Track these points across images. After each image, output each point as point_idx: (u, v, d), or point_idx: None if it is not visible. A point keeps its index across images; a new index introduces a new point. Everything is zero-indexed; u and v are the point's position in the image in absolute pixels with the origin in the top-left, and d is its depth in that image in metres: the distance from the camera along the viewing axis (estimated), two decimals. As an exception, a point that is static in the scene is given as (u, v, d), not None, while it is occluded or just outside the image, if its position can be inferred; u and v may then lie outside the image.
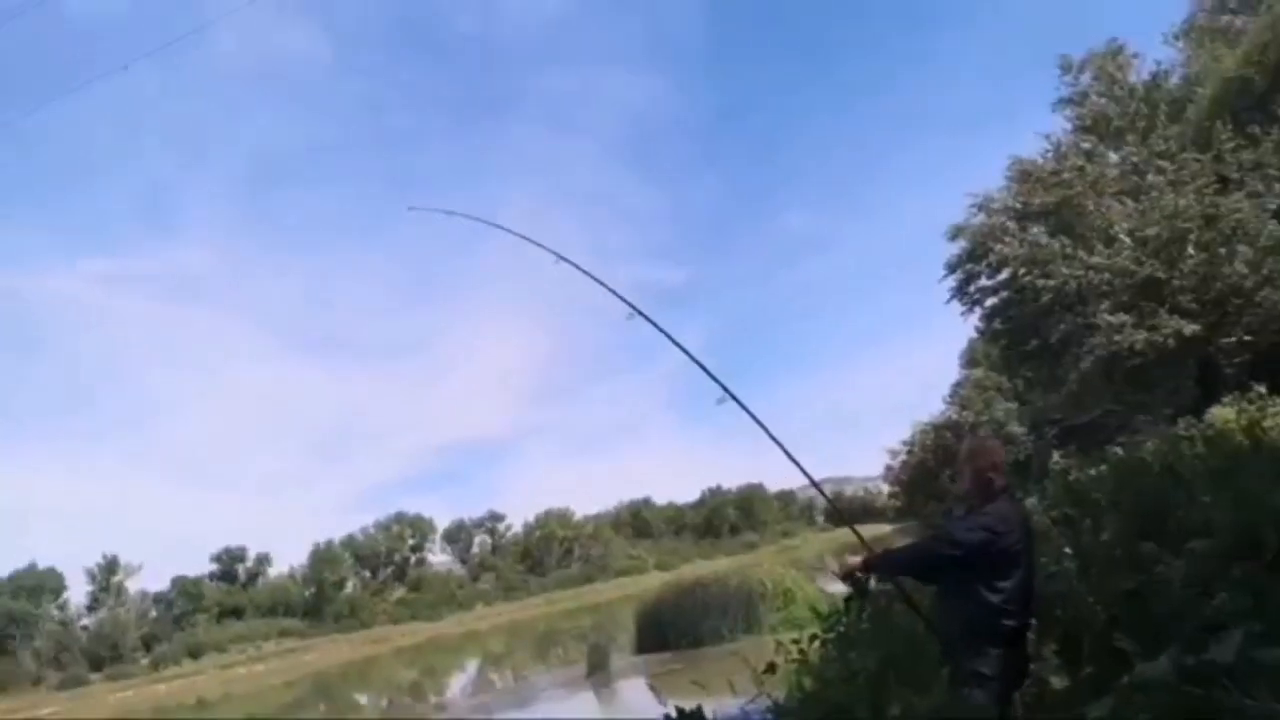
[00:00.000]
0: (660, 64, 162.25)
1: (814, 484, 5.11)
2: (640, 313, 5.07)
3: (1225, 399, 16.72)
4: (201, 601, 72.95)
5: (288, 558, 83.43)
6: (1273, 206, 18.93)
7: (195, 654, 63.91)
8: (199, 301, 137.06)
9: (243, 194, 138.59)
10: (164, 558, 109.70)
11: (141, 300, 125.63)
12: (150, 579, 77.01)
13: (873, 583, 4.66)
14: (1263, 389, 15.59)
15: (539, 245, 5.95)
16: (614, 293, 5.28)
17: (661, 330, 5.06)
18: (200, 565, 77.45)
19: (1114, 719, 2.18)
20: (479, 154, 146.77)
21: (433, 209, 7.37)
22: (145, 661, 64.27)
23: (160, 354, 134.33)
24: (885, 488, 78.80)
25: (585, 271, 5.58)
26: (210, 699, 47.35)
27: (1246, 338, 19.25)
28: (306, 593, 77.65)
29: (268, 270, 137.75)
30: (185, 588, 74.08)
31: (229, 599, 74.22)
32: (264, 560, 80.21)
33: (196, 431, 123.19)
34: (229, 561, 78.58)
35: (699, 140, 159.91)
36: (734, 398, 4.53)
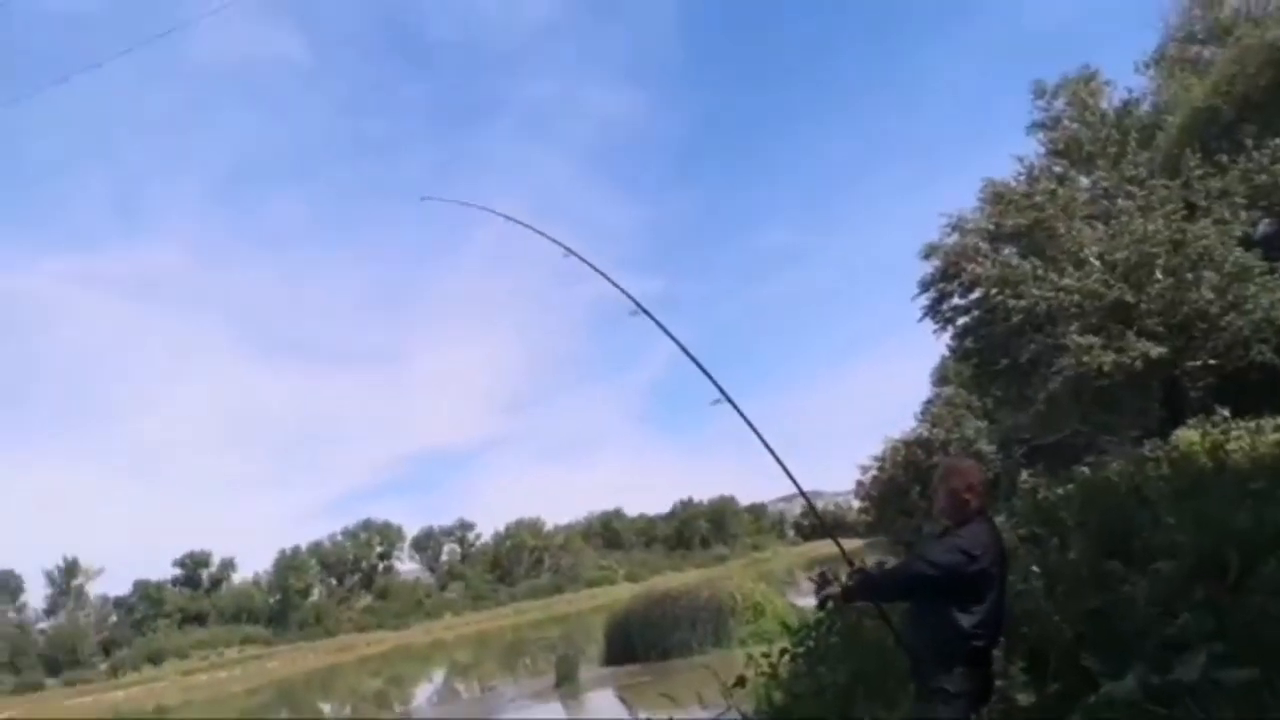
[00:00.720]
0: (640, 76, 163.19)
1: (801, 492, 5.11)
2: (644, 310, 5.10)
3: (1190, 421, 16.94)
4: (163, 606, 71.82)
5: (253, 564, 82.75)
6: (1238, 234, 19.25)
7: (156, 660, 62.82)
8: (168, 301, 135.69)
9: (216, 194, 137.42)
10: (126, 561, 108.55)
11: (110, 299, 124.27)
12: (111, 583, 76.12)
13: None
14: (1226, 412, 15.76)
15: (550, 239, 5.93)
16: (619, 288, 5.30)
17: (664, 329, 5.10)
18: (163, 570, 76.46)
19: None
20: (455, 161, 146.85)
21: (447, 200, 7.33)
22: (104, 667, 63.18)
23: (127, 353, 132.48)
24: (856, 503, 79.22)
25: (592, 265, 5.59)
26: (170, 706, 46.53)
27: (1211, 361, 19.53)
28: (271, 599, 76.72)
29: (239, 272, 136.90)
30: (147, 592, 72.91)
31: (192, 604, 73.12)
32: (228, 565, 79.22)
33: (162, 433, 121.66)
34: (192, 566, 77.40)
35: (677, 153, 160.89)
36: (729, 399, 4.56)
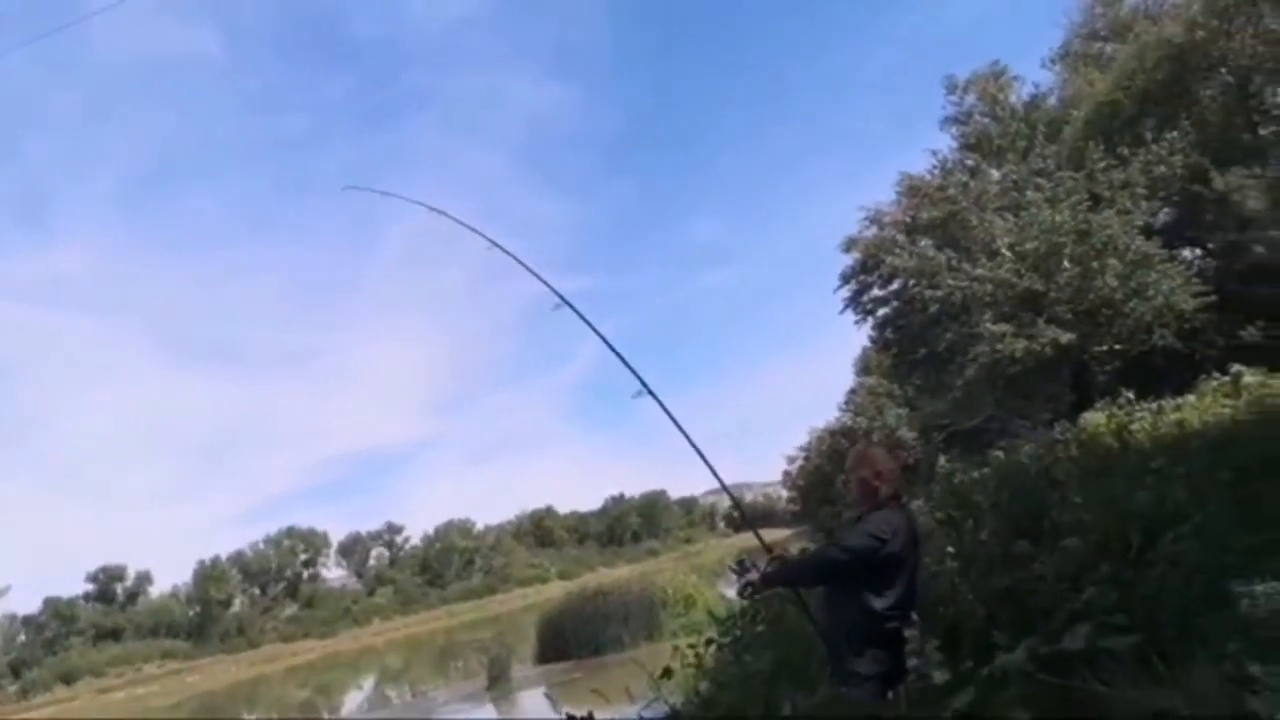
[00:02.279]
0: (568, 70, 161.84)
1: (722, 485, 5.21)
2: (567, 302, 5.07)
3: (1097, 404, 17.57)
4: (76, 623, 68.94)
5: (170, 576, 79.94)
6: (1140, 223, 19.99)
7: (69, 679, 60.27)
8: (76, 306, 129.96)
9: (127, 194, 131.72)
10: (35, 578, 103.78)
11: (12, 303, 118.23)
12: (19, 601, 72.56)
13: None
14: (1131, 395, 16.38)
15: (474, 230, 5.87)
16: (542, 280, 5.30)
17: (587, 321, 5.08)
18: (74, 585, 73.33)
19: (975, 708, 2.26)
20: (378, 158, 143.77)
21: (371, 190, 7.19)
22: (13, 689, 60.32)
23: (33, 360, 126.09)
24: (784, 493, 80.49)
25: (516, 258, 5.57)
26: (85, 726, 44.83)
27: (1116, 346, 20.25)
28: (191, 612, 74.23)
29: (152, 274, 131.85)
30: (58, 609, 69.86)
31: (106, 620, 70.28)
32: (144, 579, 76.31)
33: (71, 443, 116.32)
34: (106, 581, 74.40)
35: (606, 148, 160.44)
36: (650, 392, 4.57)
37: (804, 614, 4.46)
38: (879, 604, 3.63)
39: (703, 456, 4.71)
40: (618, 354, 4.89)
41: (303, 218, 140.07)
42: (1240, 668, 2.48)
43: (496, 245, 5.74)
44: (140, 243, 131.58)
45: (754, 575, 4.10)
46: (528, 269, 5.51)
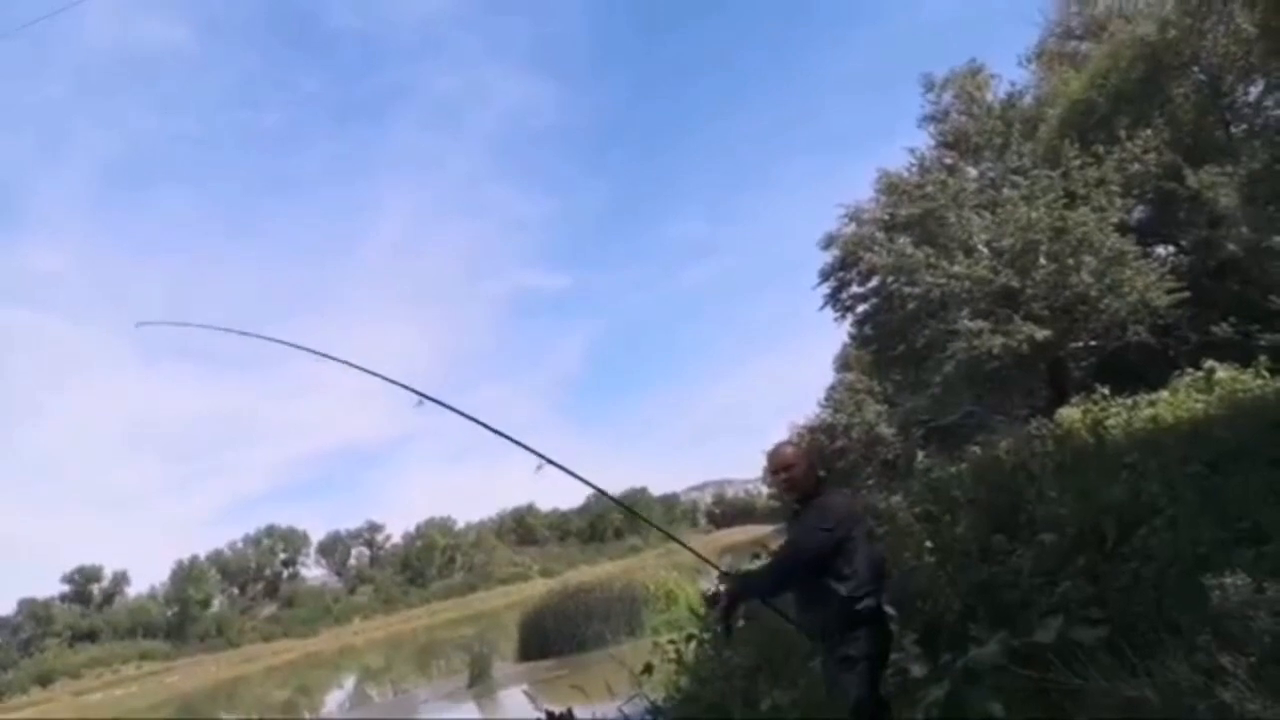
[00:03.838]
0: (546, 67, 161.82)
1: (622, 506, 5.19)
2: (430, 399, 4.91)
3: (1073, 400, 17.74)
4: (52, 625, 68.31)
5: (148, 576, 79.30)
6: (1114, 220, 20.18)
7: (45, 681, 59.72)
8: (51, 304, 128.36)
9: (101, 191, 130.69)
10: (9, 579, 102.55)
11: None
12: (-7, 603, 71.78)
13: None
14: (1106, 390, 16.54)
15: (301, 348, 5.52)
16: (399, 384, 5.08)
17: (462, 413, 4.95)
18: (50, 586, 72.59)
19: (948, 700, 2.29)
20: (355, 153, 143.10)
21: (166, 323, 6.77)
22: (-12, 692, 59.75)
23: (7, 360, 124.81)
24: (764, 489, 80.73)
25: (358, 367, 5.33)
26: (61, 729, 44.38)
27: (1092, 342, 20.45)
28: (169, 612, 73.64)
29: (127, 272, 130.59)
30: (33, 611, 69.19)
31: (83, 621, 69.66)
32: (121, 579, 75.80)
33: (47, 443, 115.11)
34: (82, 581, 73.74)
35: (585, 144, 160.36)
36: (553, 463, 4.56)
37: (780, 616, 4.49)
38: (846, 588, 3.67)
39: (608, 495, 4.67)
40: (509, 439, 4.82)
41: (280, 215, 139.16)
42: (1211, 659, 2.54)
43: (329, 357, 5.38)
44: (115, 239, 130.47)
45: (720, 598, 4.11)
46: (379, 376, 5.26)
